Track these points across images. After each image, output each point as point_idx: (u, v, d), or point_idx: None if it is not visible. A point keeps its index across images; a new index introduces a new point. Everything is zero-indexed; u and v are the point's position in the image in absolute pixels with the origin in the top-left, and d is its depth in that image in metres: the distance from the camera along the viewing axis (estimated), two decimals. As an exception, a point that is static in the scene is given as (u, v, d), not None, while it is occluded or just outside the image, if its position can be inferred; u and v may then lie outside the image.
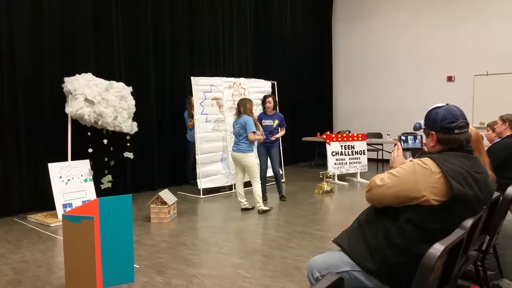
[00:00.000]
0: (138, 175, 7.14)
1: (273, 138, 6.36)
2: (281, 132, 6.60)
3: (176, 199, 5.72)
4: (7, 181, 5.62)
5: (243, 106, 5.74)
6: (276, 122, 6.48)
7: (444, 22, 9.96)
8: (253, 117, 5.75)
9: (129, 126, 6.08)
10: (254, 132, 5.63)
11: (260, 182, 5.81)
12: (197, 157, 7.04)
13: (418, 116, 2.25)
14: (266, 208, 5.80)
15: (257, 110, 7.09)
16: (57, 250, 4.31)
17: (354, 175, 8.36)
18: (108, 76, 6.14)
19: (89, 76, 5.80)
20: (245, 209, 5.84)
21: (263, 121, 6.40)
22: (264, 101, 6.55)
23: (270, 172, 6.92)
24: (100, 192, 5.84)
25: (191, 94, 7.12)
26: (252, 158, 5.77)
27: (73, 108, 5.48)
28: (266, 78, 8.49)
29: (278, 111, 6.89)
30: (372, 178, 2.05)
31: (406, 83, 10.59)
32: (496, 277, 2.95)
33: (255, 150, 6.28)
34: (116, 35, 6.81)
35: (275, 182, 6.76)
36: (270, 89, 8.14)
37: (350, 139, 8.23)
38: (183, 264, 3.87)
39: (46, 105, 5.93)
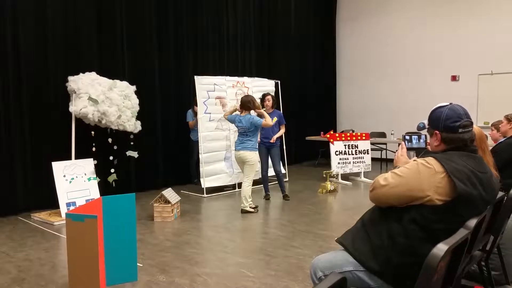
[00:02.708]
0: (142, 174, 7.15)
1: (272, 141, 6.32)
2: (281, 131, 6.58)
3: (179, 198, 5.72)
4: (11, 179, 5.64)
5: (249, 104, 5.71)
6: (275, 119, 6.48)
7: (449, 21, 9.91)
8: (262, 112, 5.76)
9: (133, 125, 6.09)
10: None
11: (251, 184, 5.76)
12: (200, 156, 7.04)
13: (422, 115, 2.24)
14: (251, 209, 5.75)
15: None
16: (60, 249, 4.33)
17: (357, 174, 8.34)
18: (112, 75, 6.15)
19: (93, 75, 5.81)
20: (246, 212, 5.78)
21: None
22: (263, 99, 6.54)
23: (271, 172, 6.91)
24: (103, 191, 5.85)
25: (195, 93, 7.13)
26: (257, 157, 5.78)
27: (77, 107, 5.50)
28: (269, 77, 8.48)
29: (279, 110, 6.87)
30: (375, 177, 2.04)
31: (410, 82, 10.56)
32: (500, 278, 2.94)
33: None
34: (120, 34, 6.82)
35: (277, 182, 6.75)
36: (273, 88, 8.14)
37: (354, 138, 8.21)
38: (187, 263, 3.87)
39: (50, 104, 5.96)
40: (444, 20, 9.97)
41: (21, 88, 5.70)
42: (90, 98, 5.49)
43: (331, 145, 8.04)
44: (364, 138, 8.30)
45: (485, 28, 9.44)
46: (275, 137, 6.37)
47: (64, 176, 5.51)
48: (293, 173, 8.98)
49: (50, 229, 5.04)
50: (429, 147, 2.16)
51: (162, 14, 7.48)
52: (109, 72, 6.32)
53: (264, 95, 6.59)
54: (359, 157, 8.20)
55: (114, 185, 6.00)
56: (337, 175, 8.05)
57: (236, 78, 7.69)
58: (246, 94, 7.18)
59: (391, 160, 4.09)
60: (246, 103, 5.71)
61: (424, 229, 1.85)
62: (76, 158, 5.73)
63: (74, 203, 5.46)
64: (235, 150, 5.85)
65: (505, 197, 2.52)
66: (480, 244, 2.46)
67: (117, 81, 5.97)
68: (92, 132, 5.86)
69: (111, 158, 6.15)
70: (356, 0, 11.51)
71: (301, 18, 10.82)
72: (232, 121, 5.88)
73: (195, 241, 4.55)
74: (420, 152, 2.34)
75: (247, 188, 5.71)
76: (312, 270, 2.12)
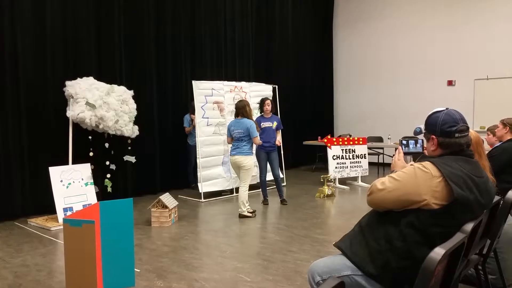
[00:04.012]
0: (139, 179, 7.14)
1: (278, 143, 6.45)
2: (279, 136, 6.62)
3: (177, 202, 5.72)
4: (8, 184, 5.62)
5: (243, 110, 5.74)
6: (275, 123, 6.52)
7: (445, 26, 9.98)
8: (253, 120, 5.79)
9: (130, 130, 6.09)
10: (257, 136, 5.71)
11: (247, 189, 5.78)
12: (198, 160, 7.04)
13: (419, 120, 2.26)
14: (248, 214, 5.75)
15: (257, 113, 7.08)
16: (57, 254, 4.31)
17: (355, 179, 8.36)
18: (109, 80, 6.16)
19: (90, 80, 5.82)
20: (243, 216, 5.78)
21: (262, 123, 6.42)
22: (262, 104, 6.58)
23: (270, 176, 6.92)
24: (101, 196, 5.84)
25: (192, 98, 7.14)
26: (252, 161, 5.79)
27: (74, 112, 5.49)
28: (267, 82, 8.51)
29: (277, 114, 6.90)
30: (373, 182, 2.05)
31: (407, 87, 10.61)
32: (497, 282, 2.95)
33: (254, 153, 6.28)
34: (118, 39, 6.83)
35: (275, 186, 6.75)
36: (271, 93, 8.16)
37: (351, 143, 8.23)
38: (184, 268, 3.87)
39: (47, 108, 5.95)
40: (441, 25, 10.04)
41: (19, 92, 5.69)
42: (87, 103, 5.49)
43: (328, 149, 8.06)
44: (361, 142, 8.33)
45: (481, 33, 9.51)
46: (279, 139, 6.51)
47: (61, 181, 5.49)
48: (291, 178, 8.98)
49: (47, 235, 5.02)
50: (425, 152, 2.18)
51: (160, 19, 7.50)
52: (107, 77, 6.33)
53: (263, 100, 6.63)
54: (357, 162, 8.22)
55: (110, 190, 5.99)
56: (335, 179, 8.05)
57: (234, 83, 7.71)
58: (240, 99, 7.15)
59: (388, 165, 4.12)
60: (240, 109, 5.76)
61: (421, 233, 1.86)
62: (73, 163, 5.71)
63: (71, 208, 5.44)
64: (230, 155, 5.86)
65: (501, 201, 2.53)
66: (477, 248, 2.47)
67: (115, 86, 5.98)
68: (90, 137, 5.85)
69: (107, 163, 6.15)
70: (353, 5, 11.58)
71: (299, 23, 10.87)
72: (230, 133, 5.87)
73: (193, 246, 4.54)
74: (417, 157, 2.35)
75: (244, 193, 5.71)
76: (310, 275, 2.12)
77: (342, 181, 8.28)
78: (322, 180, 7.30)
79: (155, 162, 7.45)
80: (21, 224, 5.50)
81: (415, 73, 10.48)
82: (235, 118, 5.89)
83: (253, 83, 8.19)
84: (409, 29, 10.52)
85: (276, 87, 8.50)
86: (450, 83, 10.04)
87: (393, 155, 2.36)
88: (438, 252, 1.57)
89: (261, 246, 4.52)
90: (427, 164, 1.92)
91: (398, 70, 10.76)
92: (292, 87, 10.45)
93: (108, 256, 3.27)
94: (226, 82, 7.59)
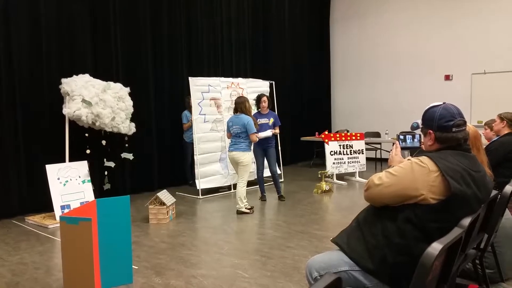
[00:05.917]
0: (136, 176, 7.13)
1: (259, 136, 5.94)
2: (276, 131, 6.57)
3: (174, 199, 5.71)
4: (5, 182, 5.60)
5: (242, 105, 5.73)
6: (272, 120, 6.50)
7: (442, 21, 9.97)
8: (252, 117, 5.77)
9: (127, 127, 6.07)
10: (255, 133, 5.67)
11: (245, 185, 5.77)
12: (195, 157, 7.03)
13: (416, 115, 2.25)
14: (246, 210, 5.75)
15: (253, 110, 7.06)
16: (55, 252, 4.30)
17: (352, 174, 8.36)
18: (106, 77, 6.12)
19: (86, 77, 5.79)
20: (241, 213, 5.78)
21: (258, 120, 6.39)
22: (259, 100, 6.55)
23: (267, 172, 6.91)
24: (98, 193, 5.83)
25: (189, 94, 7.11)
26: (250, 158, 5.78)
27: (70, 109, 5.47)
28: (264, 77, 8.48)
29: (275, 110, 6.86)
30: (370, 177, 2.05)
31: (404, 82, 10.61)
32: (495, 276, 2.96)
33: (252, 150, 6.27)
34: (114, 36, 6.80)
35: (273, 183, 6.75)
36: (268, 89, 8.14)
37: (349, 138, 8.23)
38: (182, 265, 3.86)
39: (43, 106, 5.92)
40: (438, 20, 10.02)
41: (14, 90, 5.66)
42: (83, 100, 5.46)
43: (326, 145, 8.05)
44: (358, 138, 8.32)
45: (478, 28, 9.50)
46: (260, 134, 6.05)
47: (58, 179, 5.48)
48: (288, 174, 8.98)
49: (45, 232, 5.01)
50: (423, 147, 2.17)
51: (156, 16, 7.46)
52: (103, 74, 6.30)
53: (259, 96, 6.60)
54: (354, 157, 8.22)
55: (105, 188, 5.97)
56: (332, 175, 8.06)
57: (230, 79, 7.68)
58: (240, 95, 7.13)
59: (386, 160, 4.12)
60: (239, 104, 5.75)
61: (419, 228, 1.86)
62: (70, 160, 5.69)
63: (68, 206, 5.43)
64: (228, 151, 5.87)
65: (499, 196, 2.53)
66: (475, 242, 2.47)
67: (111, 83, 5.95)
68: (86, 134, 5.83)
69: (104, 160, 6.12)
70: (350, 0, 11.55)
71: (296, 18, 10.85)
72: (229, 129, 5.85)
73: (191, 243, 4.54)
74: (414, 152, 2.35)
75: (241, 189, 5.71)
76: (307, 271, 2.12)
77: (340, 176, 8.28)
78: (319, 175, 7.31)
79: (152, 159, 7.43)
80: (19, 222, 5.49)
81: (412, 68, 10.47)
82: (234, 114, 5.87)
83: (250, 79, 8.17)
84: (406, 24, 10.51)
85: (273, 83, 8.48)
86: (447, 77, 10.04)
87: (391, 150, 2.36)
88: (436, 247, 1.56)
89: (259, 242, 4.52)
90: (424, 158, 1.91)
91: (395, 65, 10.75)
92: (289, 83, 10.43)
93: (105, 253, 3.26)
94: (223, 79, 7.57)
